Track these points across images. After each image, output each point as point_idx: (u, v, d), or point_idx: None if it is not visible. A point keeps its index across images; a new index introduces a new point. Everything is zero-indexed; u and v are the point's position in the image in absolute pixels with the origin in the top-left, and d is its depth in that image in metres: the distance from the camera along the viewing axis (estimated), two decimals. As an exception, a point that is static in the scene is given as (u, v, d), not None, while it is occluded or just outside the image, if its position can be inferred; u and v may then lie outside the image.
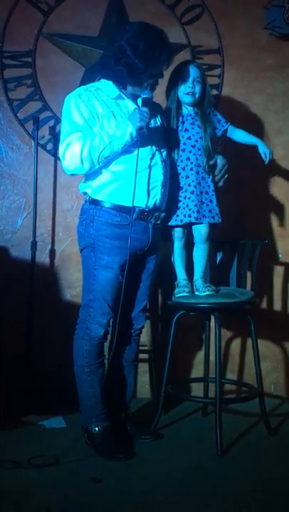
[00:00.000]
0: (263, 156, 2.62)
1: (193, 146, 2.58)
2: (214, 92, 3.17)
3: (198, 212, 2.55)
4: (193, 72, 2.56)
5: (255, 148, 3.22)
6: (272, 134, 3.25)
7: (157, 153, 2.43)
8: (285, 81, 3.26)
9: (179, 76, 2.57)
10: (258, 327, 2.70)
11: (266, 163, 2.63)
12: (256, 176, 3.22)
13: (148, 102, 2.35)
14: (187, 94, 2.56)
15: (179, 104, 2.61)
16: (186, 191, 2.57)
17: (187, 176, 2.57)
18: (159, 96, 2.63)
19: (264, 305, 3.24)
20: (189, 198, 2.56)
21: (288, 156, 3.26)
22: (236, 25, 3.21)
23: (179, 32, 3.15)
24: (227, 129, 2.67)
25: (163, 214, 2.50)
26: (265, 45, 3.23)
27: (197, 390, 3.09)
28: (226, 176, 2.64)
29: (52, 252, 3.13)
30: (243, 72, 3.23)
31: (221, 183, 2.64)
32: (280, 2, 3.13)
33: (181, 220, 2.57)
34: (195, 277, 2.66)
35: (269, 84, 3.25)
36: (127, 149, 2.34)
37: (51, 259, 3.13)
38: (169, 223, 2.60)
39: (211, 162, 2.59)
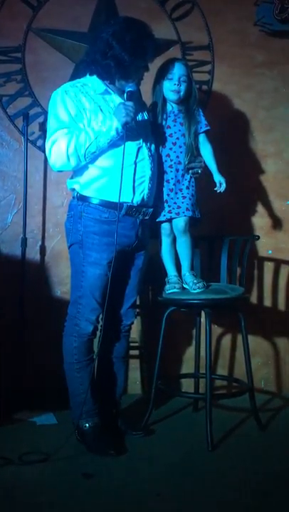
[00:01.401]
0: (218, 184, 2.59)
1: (174, 144, 2.59)
2: (204, 88, 3.17)
3: (178, 207, 2.57)
4: (179, 69, 2.55)
5: (245, 144, 3.26)
6: (262, 131, 3.26)
7: (145, 147, 2.43)
8: (275, 78, 3.26)
9: (165, 72, 2.57)
10: (248, 323, 2.71)
11: (221, 191, 2.59)
12: (246, 172, 3.23)
13: (133, 96, 2.34)
14: (172, 91, 2.56)
15: (164, 101, 2.61)
16: (165, 188, 2.58)
17: (165, 172, 2.58)
18: (146, 94, 2.63)
19: (254, 301, 3.25)
20: (168, 195, 2.58)
21: (278, 153, 3.27)
22: (226, 21, 3.21)
23: (169, 28, 3.14)
24: (200, 134, 2.63)
25: (151, 210, 2.50)
26: (256, 41, 3.24)
27: (188, 385, 3.09)
28: (196, 171, 2.62)
29: (42, 249, 3.12)
30: (233, 68, 3.23)
31: (189, 172, 2.61)
32: (269, -2, 3.14)
33: (164, 215, 2.58)
34: (183, 271, 2.67)
35: (259, 80, 3.25)
36: (114, 144, 2.33)
37: (42, 256, 3.12)
38: (155, 220, 2.60)
39: (196, 170, 2.58)
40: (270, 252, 3.26)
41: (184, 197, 2.58)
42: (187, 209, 2.57)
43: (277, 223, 3.26)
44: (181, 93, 2.57)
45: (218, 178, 2.60)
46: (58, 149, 2.34)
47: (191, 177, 2.60)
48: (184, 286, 2.64)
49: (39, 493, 2.03)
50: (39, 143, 3.08)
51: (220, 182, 2.59)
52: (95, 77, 2.42)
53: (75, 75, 2.98)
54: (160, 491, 2.06)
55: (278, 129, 3.27)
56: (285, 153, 3.28)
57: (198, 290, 2.58)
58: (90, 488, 2.07)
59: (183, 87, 2.56)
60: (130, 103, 2.30)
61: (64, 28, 3.06)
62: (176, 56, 3.03)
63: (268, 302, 3.26)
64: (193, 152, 2.59)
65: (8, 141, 3.09)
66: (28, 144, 3.04)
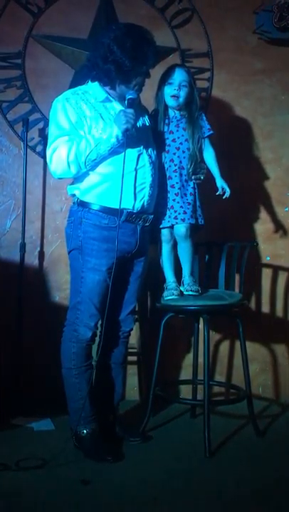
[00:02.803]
0: (221, 189, 2.60)
1: (178, 149, 2.60)
2: (203, 95, 3.19)
3: (184, 213, 2.57)
4: (180, 75, 2.57)
5: (244, 151, 3.27)
6: (260, 138, 3.27)
7: (145, 154, 2.44)
8: (273, 85, 3.28)
9: (166, 77, 2.59)
10: (246, 329, 2.71)
11: (225, 196, 2.60)
12: (245, 178, 3.24)
13: (133, 103, 2.35)
14: (172, 97, 2.57)
15: (166, 107, 2.63)
16: (170, 193, 2.58)
17: (170, 178, 2.59)
18: (149, 101, 2.64)
19: (252, 307, 3.25)
20: (174, 200, 2.58)
21: (277, 159, 3.28)
22: (226, 29, 3.23)
23: (168, 35, 3.16)
24: (203, 140, 2.65)
25: (151, 216, 2.50)
26: (255, 49, 3.25)
27: (186, 392, 3.09)
28: (199, 177, 2.63)
29: (41, 254, 3.12)
30: (232, 75, 3.24)
31: (192, 179, 2.62)
32: (269, 7, 3.15)
33: (168, 222, 2.59)
34: (183, 274, 2.67)
35: (258, 88, 3.27)
36: (114, 151, 2.34)
37: (40, 261, 3.12)
38: (158, 226, 2.60)
39: (199, 176, 2.60)
40: (268, 258, 3.27)
41: (188, 203, 2.58)
42: (191, 216, 2.58)
43: (276, 230, 3.27)
44: (180, 99, 2.58)
45: (220, 183, 2.61)
46: (59, 157, 2.35)
47: (194, 183, 2.61)
48: (181, 288, 2.64)
49: (36, 500, 2.02)
50: (38, 148, 3.09)
51: (222, 187, 2.61)
52: (96, 84, 2.43)
53: (75, 81, 3.00)
54: (157, 497, 2.05)
55: (277, 136, 3.29)
56: (284, 160, 3.29)
57: (190, 293, 2.59)
58: (87, 494, 2.06)
59: (183, 93, 2.57)
60: (130, 110, 2.31)
61: (64, 35, 3.08)
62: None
63: (266, 308, 3.26)
64: (197, 159, 2.60)
65: (8, 146, 3.10)
66: (28, 149, 3.04)
